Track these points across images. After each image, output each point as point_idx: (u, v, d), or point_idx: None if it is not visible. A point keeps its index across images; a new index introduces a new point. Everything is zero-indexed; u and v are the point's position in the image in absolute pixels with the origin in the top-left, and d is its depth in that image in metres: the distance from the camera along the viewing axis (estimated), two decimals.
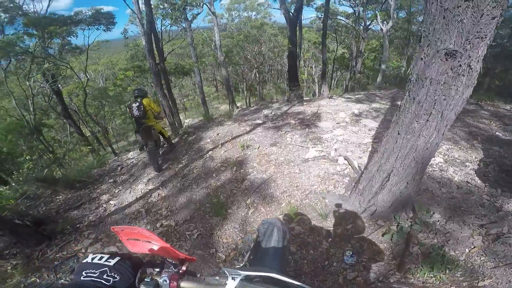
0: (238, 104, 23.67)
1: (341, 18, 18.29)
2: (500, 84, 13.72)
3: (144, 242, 0.79)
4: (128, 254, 0.75)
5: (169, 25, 14.99)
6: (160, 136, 5.62)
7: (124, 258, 0.70)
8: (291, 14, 7.85)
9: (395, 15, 11.40)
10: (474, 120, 5.41)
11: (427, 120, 1.87)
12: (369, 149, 3.92)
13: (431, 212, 2.49)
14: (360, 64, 17.68)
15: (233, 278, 0.65)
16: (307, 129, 5.20)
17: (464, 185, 3.00)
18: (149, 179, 4.87)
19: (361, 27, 16.47)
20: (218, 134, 5.93)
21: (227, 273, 0.67)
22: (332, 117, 5.79)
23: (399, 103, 7.22)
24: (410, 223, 2.40)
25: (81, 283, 0.60)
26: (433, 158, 3.51)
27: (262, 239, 1.15)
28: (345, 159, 3.55)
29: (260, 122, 6.35)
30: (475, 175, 3.19)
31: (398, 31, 15.75)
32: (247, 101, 19.17)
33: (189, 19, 14.43)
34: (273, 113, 7.36)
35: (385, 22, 11.49)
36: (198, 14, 15.21)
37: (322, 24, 7.87)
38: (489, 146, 4.10)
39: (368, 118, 5.35)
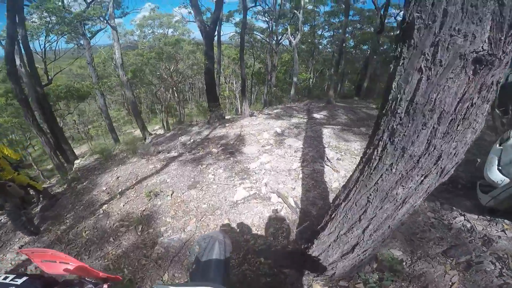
0: (156, 127, 21.40)
1: (256, 33, 19.06)
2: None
3: (60, 263, 0.77)
4: (39, 274, 0.72)
5: (55, 42, 12.25)
6: (32, 190, 4.00)
7: (33, 278, 0.66)
8: (207, 26, 7.21)
9: (302, 28, 12.40)
10: None
11: (421, 183, 1.16)
12: (300, 175, 3.50)
13: (392, 254, 2.11)
14: (274, 78, 18.69)
15: None
16: (231, 158, 4.52)
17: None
18: (22, 245, 3.37)
19: (274, 41, 17.49)
20: (118, 177, 4.59)
21: None
22: (256, 139, 5.31)
23: (315, 115, 7.64)
24: (377, 276, 1.94)
25: None
26: None
27: (203, 254, 1.10)
28: (279, 196, 2.99)
29: (176, 154, 5.34)
30: None
31: (304, 43, 17.40)
32: (165, 124, 17.48)
33: (88, 35, 12.15)
34: (192, 140, 6.43)
35: (293, 35, 12.31)
36: (99, 31, 12.97)
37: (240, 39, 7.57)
38: None
39: (291, 137, 5.10)
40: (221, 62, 13.96)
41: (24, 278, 0.63)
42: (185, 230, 3.00)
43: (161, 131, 19.63)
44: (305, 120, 6.51)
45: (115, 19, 11.75)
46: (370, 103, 9.44)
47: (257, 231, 2.75)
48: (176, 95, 22.33)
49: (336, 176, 3.41)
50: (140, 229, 3.21)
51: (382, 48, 14.04)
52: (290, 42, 20.93)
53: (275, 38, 17.70)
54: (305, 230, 2.55)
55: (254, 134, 5.68)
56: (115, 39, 9.17)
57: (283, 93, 17.92)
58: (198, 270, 1.08)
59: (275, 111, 9.07)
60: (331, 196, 3.01)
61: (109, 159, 6.00)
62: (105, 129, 21.97)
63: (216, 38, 12.42)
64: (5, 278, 0.63)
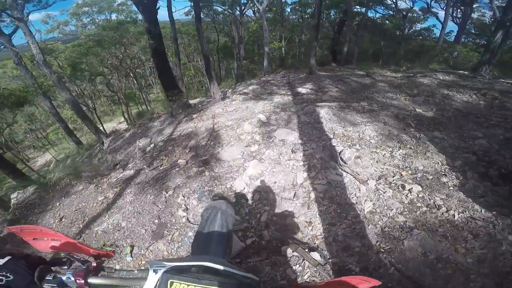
0: (122, 120, 18.78)
1: (217, 5, 16.61)
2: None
3: (51, 240, 0.75)
4: (23, 253, 0.68)
5: None
6: None
7: (18, 257, 0.64)
8: None
9: None
10: (383, 97, 4.85)
11: None
12: (312, 196, 2.37)
13: None
14: (243, 50, 16.82)
15: (154, 271, 0.59)
16: (206, 172, 3.25)
17: (473, 226, 1.86)
18: None
19: (237, 11, 15.36)
20: (61, 218, 3.20)
21: (149, 265, 0.60)
22: (235, 135, 4.04)
23: (299, 90, 6.29)
24: None
25: None
26: (408, 187, 2.28)
27: (205, 225, 1.05)
28: (294, 251, 1.83)
29: (132, 172, 3.94)
30: (467, 196, 2.13)
31: (270, 11, 15.50)
32: (126, 117, 15.35)
33: (6, 33, 9.33)
34: (152, 144, 4.99)
35: (259, 1, 10.52)
36: (17, 27, 9.99)
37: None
38: (430, 133, 3.36)
39: (282, 127, 3.89)
40: (177, 41, 11.75)
41: (7, 258, 0.61)
42: None
43: (125, 125, 17.32)
44: (291, 98, 5.27)
45: (29, 11, 9.09)
46: (354, 69, 8.32)
47: None
48: (136, 82, 19.62)
49: (364, 190, 2.31)
50: None
51: (354, 9, 12.65)
52: (254, 11, 18.81)
53: (238, 8, 15.52)
54: None
55: (232, 127, 4.38)
56: (26, 32, 6.94)
57: (255, 65, 16.20)
58: (200, 242, 1.04)
59: (251, 87, 7.68)
60: (370, 230, 1.93)
61: (50, 189, 4.41)
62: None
63: (167, 13, 10.23)
64: None
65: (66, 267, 0.68)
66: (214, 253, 0.95)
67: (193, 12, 19.71)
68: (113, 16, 20.59)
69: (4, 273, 0.58)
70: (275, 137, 3.64)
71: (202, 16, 19.01)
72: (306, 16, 17.17)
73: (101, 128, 14.32)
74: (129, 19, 20.39)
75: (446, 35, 17.26)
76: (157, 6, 5.46)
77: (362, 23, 11.55)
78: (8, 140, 23.18)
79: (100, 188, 3.77)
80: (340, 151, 2.98)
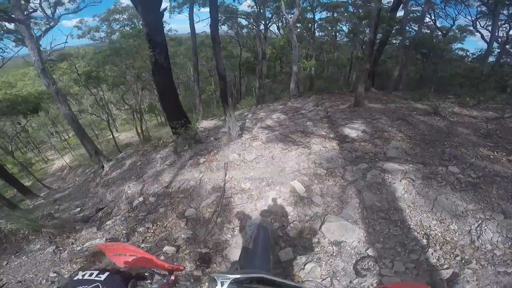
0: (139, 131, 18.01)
1: (241, 17, 15.65)
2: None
3: (129, 256, 0.82)
4: (117, 269, 0.76)
5: None
6: None
7: (113, 272, 0.71)
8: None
9: (300, 3, 9.22)
10: (476, 156, 3.18)
11: None
12: None
13: None
14: (265, 68, 15.55)
15: (222, 283, 0.64)
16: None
17: None
18: None
19: (262, 25, 14.32)
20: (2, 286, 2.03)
21: (216, 278, 0.66)
22: (255, 211, 2.57)
23: (346, 131, 4.56)
24: None
25: None
26: None
27: (249, 242, 1.11)
28: None
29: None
30: None
31: (301, 22, 13.99)
32: (139, 133, 14.52)
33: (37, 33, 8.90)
34: (141, 198, 3.75)
35: (288, 13, 9.27)
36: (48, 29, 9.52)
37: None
38: None
39: (333, 214, 2.39)
40: (197, 54, 10.61)
41: (107, 274, 0.68)
42: None
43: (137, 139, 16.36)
44: (337, 147, 3.71)
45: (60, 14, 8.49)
46: (407, 99, 6.61)
47: None
48: (156, 93, 18.97)
49: None
50: None
51: (395, 28, 10.95)
52: (279, 26, 17.63)
53: (263, 22, 14.43)
54: None
55: (250, 194, 2.94)
56: (26, 36, 6.09)
57: (278, 84, 14.82)
58: (246, 257, 1.09)
59: (275, 116, 6.28)
60: None
61: (3, 239, 3.18)
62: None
63: (189, 23, 9.31)
64: (90, 275, 0.67)
65: (149, 281, 0.74)
66: (260, 267, 0.98)
67: (219, 25, 18.94)
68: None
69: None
70: (322, 235, 2.13)
71: (225, 29, 18.29)
72: (333, 33, 15.80)
73: (114, 136, 13.50)
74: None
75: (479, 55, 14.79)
76: (164, 8, 4.20)
77: (414, 42, 9.84)
78: (32, 141, 23.24)
79: (58, 257, 2.56)
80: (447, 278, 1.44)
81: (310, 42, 16.05)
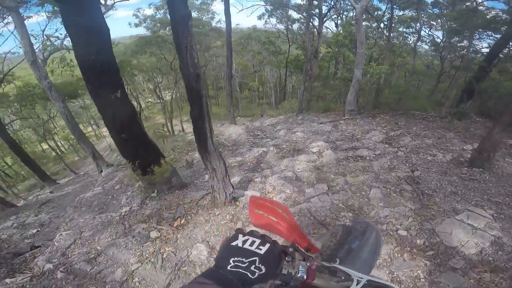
0: (177, 123, 17.24)
1: (292, 8, 13.23)
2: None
3: (269, 218, 0.69)
4: (275, 241, 0.59)
5: None
6: None
7: (274, 245, 0.56)
8: None
9: None
10: None
11: None
12: None
13: None
14: (315, 69, 12.80)
15: (357, 282, 0.60)
16: None
17: None
18: None
19: (316, 18, 11.70)
20: None
21: (352, 275, 0.61)
22: None
23: (456, 237, 1.98)
24: None
25: (224, 277, 0.47)
26: None
27: (356, 240, 0.97)
28: None
29: None
30: None
31: (372, 14, 10.72)
32: (169, 129, 13.44)
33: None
34: (49, 272, 1.92)
35: None
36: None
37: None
38: None
39: None
40: (231, 46, 8.26)
41: (267, 246, 0.54)
42: None
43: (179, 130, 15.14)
44: (426, 276, 1.39)
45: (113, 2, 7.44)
46: None
47: None
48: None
49: None
50: None
51: None
52: (337, 23, 14.38)
53: (318, 14, 11.63)
54: None
55: None
56: (17, 24, 5.09)
57: (328, 90, 11.95)
58: (348, 254, 0.95)
59: (314, 146, 4.12)
60: None
61: None
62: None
63: (224, 6, 7.29)
64: (251, 244, 0.53)
65: (290, 259, 0.58)
66: (360, 270, 0.78)
67: (267, 17, 16.76)
68: (194, 14, 19.26)
69: (260, 265, 0.50)
70: None
71: (275, 21, 16.06)
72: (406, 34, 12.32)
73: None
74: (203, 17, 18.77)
75: None
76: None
77: None
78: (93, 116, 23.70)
79: None
80: None
81: (376, 42, 12.76)
